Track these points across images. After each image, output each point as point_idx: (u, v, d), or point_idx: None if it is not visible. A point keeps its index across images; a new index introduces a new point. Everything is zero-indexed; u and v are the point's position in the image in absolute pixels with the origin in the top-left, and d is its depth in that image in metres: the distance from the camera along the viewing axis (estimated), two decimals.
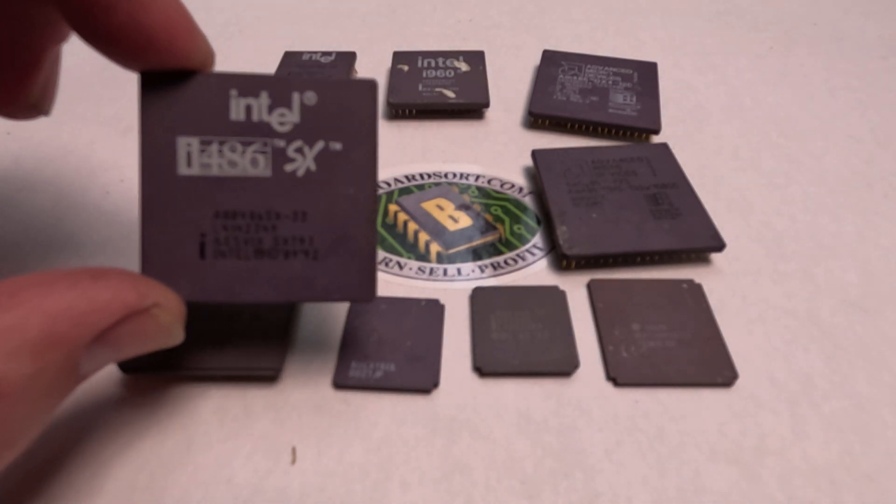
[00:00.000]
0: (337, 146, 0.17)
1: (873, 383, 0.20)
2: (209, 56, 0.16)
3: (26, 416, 0.12)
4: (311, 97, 0.16)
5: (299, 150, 0.16)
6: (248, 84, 0.16)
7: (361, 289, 0.17)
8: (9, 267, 0.23)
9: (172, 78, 0.16)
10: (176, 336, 0.16)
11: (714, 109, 0.32)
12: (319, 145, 0.16)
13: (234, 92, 0.16)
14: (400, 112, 0.31)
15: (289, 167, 0.16)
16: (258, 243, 0.16)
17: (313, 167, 0.16)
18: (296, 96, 0.16)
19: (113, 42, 0.15)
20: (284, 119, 0.16)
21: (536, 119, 0.30)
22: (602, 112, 0.29)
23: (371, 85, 0.17)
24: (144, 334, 0.14)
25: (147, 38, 0.15)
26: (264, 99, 0.16)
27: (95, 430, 0.18)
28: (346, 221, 0.17)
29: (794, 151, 0.29)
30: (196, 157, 0.16)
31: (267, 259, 0.16)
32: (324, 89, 0.16)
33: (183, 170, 0.16)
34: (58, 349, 0.12)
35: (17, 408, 0.12)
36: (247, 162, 0.16)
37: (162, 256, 0.16)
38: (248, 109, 0.16)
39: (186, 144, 0.16)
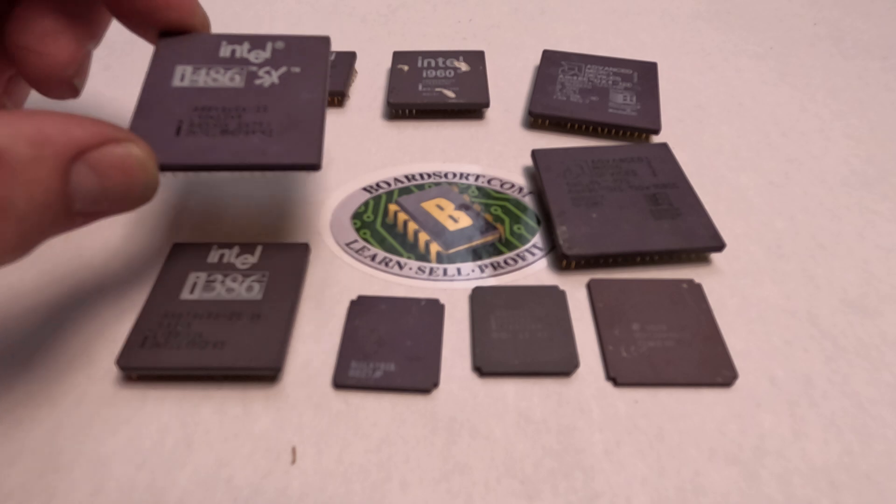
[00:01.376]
0: (296, 70, 0.22)
1: (873, 383, 0.20)
2: (207, 21, 0.23)
3: (21, 213, 0.14)
4: (280, 44, 0.22)
5: (267, 72, 0.22)
6: (235, 37, 0.22)
7: (308, 154, 0.20)
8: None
9: (181, 36, 0.22)
10: (152, 174, 0.17)
11: (714, 109, 0.32)
12: (283, 69, 0.22)
13: (223, 42, 0.22)
14: (400, 112, 0.31)
15: (258, 81, 0.21)
16: (224, 126, 0.20)
17: (277, 81, 0.21)
18: (269, 44, 0.22)
19: (139, 12, 0.21)
20: (259, 56, 0.22)
21: (536, 119, 0.30)
22: (602, 112, 0.29)
23: (326, 39, 0.23)
24: (123, 165, 0.16)
25: (162, 6, 0.21)
26: (246, 45, 0.22)
27: (95, 430, 0.18)
28: (299, 113, 0.20)
29: (794, 151, 0.29)
30: (188, 76, 0.21)
31: (230, 136, 0.20)
32: (290, 40, 0.23)
33: (176, 83, 0.21)
34: (49, 146, 0.14)
35: (15, 184, 0.14)
36: (226, 79, 0.21)
37: (143, 134, 0.18)
38: (233, 51, 0.22)
39: (182, 69, 0.21)
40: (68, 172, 0.15)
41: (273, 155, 0.20)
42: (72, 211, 0.15)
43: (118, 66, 0.33)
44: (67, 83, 0.21)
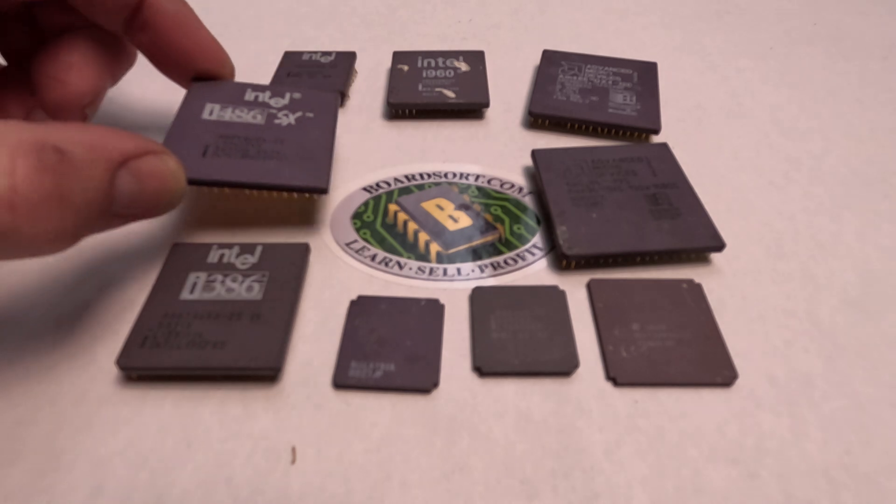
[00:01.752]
0: (310, 115, 0.25)
1: (873, 383, 0.20)
2: (234, 71, 0.26)
3: (76, 206, 0.16)
4: (297, 95, 0.26)
5: (285, 114, 0.25)
6: (258, 86, 0.26)
7: (318, 179, 0.22)
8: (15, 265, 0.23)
9: (211, 81, 0.25)
10: (181, 184, 0.20)
11: (714, 109, 0.32)
12: (299, 113, 0.25)
13: (248, 89, 0.26)
14: (400, 112, 0.31)
15: (276, 121, 0.24)
16: (245, 151, 0.23)
17: (293, 122, 0.25)
18: (288, 93, 0.26)
19: (177, 62, 0.24)
20: (278, 102, 0.25)
21: (536, 119, 0.30)
22: (602, 112, 0.29)
23: (336, 94, 0.27)
24: (159, 173, 0.19)
25: (197, 57, 0.24)
26: (268, 93, 0.26)
27: (95, 430, 0.18)
28: (312, 146, 0.24)
29: (794, 151, 0.29)
30: (216, 112, 0.24)
31: (250, 159, 0.23)
32: (306, 92, 0.26)
33: (205, 116, 0.24)
34: (102, 152, 0.17)
35: (74, 180, 0.16)
36: (249, 117, 0.24)
37: (174, 152, 0.20)
38: (256, 97, 0.25)
39: (211, 106, 0.24)
40: (114, 176, 0.17)
41: (287, 177, 0.22)
42: (111, 212, 0.17)
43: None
44: (80, 111, 0.23)
